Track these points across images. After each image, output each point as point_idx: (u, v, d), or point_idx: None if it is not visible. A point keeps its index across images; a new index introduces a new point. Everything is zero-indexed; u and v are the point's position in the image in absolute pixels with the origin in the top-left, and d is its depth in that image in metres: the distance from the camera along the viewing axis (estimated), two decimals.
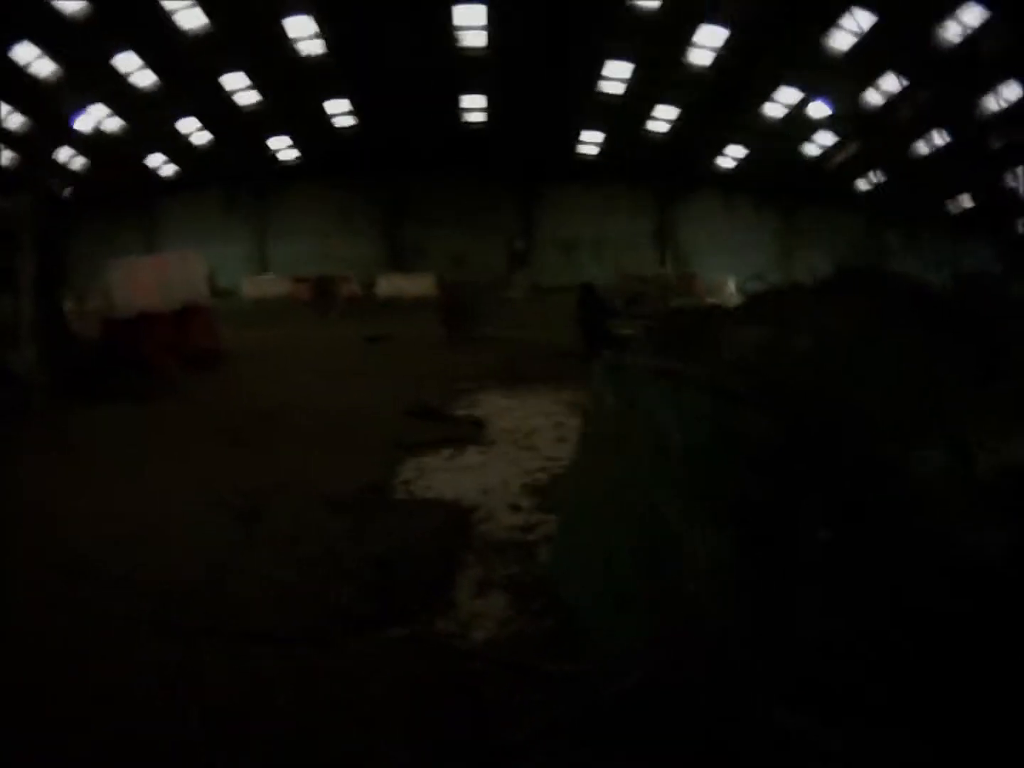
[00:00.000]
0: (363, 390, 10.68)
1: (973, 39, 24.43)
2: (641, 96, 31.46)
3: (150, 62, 27.68)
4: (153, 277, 11.76)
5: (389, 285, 31.01)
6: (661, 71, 28.85)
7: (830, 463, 2.90)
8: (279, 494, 5.82)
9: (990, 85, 28.47)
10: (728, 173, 40.55)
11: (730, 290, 35.95)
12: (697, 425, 3.18)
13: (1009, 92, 28.86)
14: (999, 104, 29.71)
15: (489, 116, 33.52)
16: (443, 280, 18.89)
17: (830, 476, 2.88)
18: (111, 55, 26.72)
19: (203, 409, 9.49)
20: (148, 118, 31.64)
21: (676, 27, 26.02)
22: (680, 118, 33.77)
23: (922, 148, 35.48)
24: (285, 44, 26.61)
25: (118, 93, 29.18)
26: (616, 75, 29.83)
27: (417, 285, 31.68)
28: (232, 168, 37.48)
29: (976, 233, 39.43)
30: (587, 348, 13.41)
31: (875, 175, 39.62)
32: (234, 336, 15.63)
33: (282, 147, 37.28)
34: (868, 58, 27.03)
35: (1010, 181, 37.44)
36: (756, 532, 2.92)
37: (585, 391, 10.24)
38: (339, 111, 32.88)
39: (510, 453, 7.19)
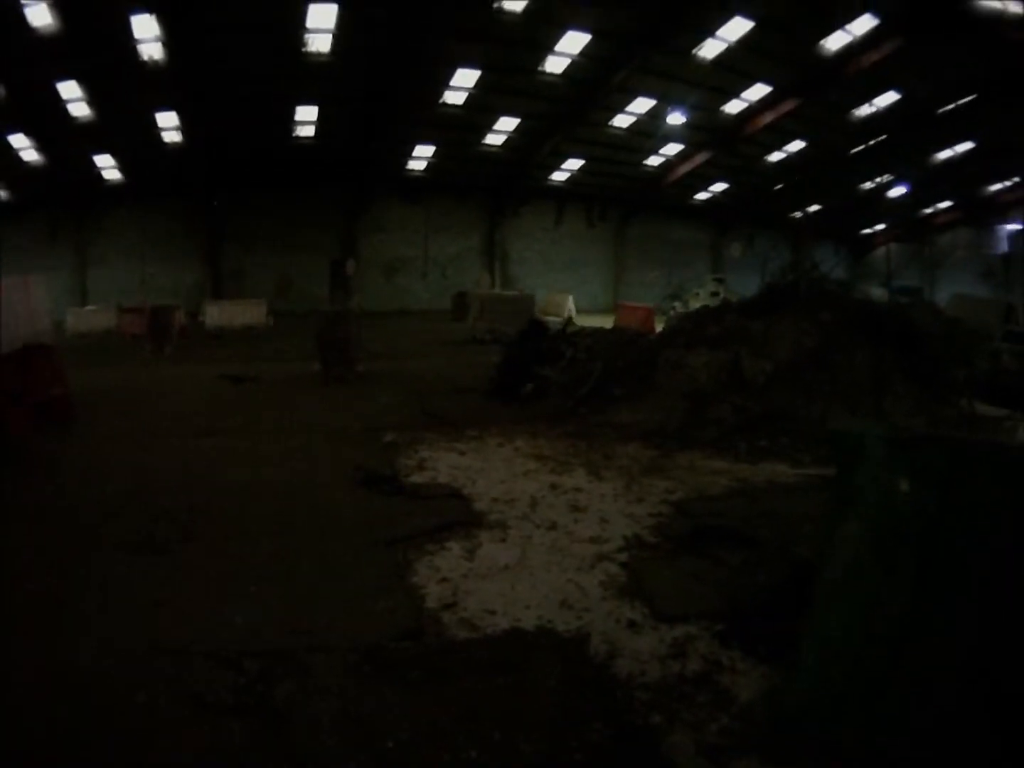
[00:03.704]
0: (275, 452, 8.57)
1: (848, 52, 25.16)
2: (483, 107, 30.34)
3: None
4: None
5: (220, 313, 27.85)
6: (510, 79, 27.64)
7: None
8: (278, 663, 3.80)
9: (855, 100, 29.75)
10: (562, 186, 40.47)
11: (569, 308, 35.71)
12: None
13: (881, 102, 30.22)
14: (859, 118, 31.32)
15: (319, 130, 31.03)
16: (322, 309, 16.85)
17: None
18: None
19: (82, 493, 6.92)
20: None
21: (538, 31, 24.86)
22: (520, 130, 33.01)
23: (776, 157, 36.92)
24: (126, 46, 22.74)
25: None
26: (461, 84, 28.33)
27: (249, 313, 28.88)
28: (58, 188, 32.28)
29: (816, 236, 42.09)
30: (503, 385, 12.14)
31: (722, 184, 40.87)
32: (73, 378, 12.75)
33: (107, 166, 32.37)
34: (736, 68, 27.28)
35: (861, 190, 40.50)
36: None
37: (560, 441, 8.92)
38: (169, 125, 29.14)
39: (537, 538, 5.67)
